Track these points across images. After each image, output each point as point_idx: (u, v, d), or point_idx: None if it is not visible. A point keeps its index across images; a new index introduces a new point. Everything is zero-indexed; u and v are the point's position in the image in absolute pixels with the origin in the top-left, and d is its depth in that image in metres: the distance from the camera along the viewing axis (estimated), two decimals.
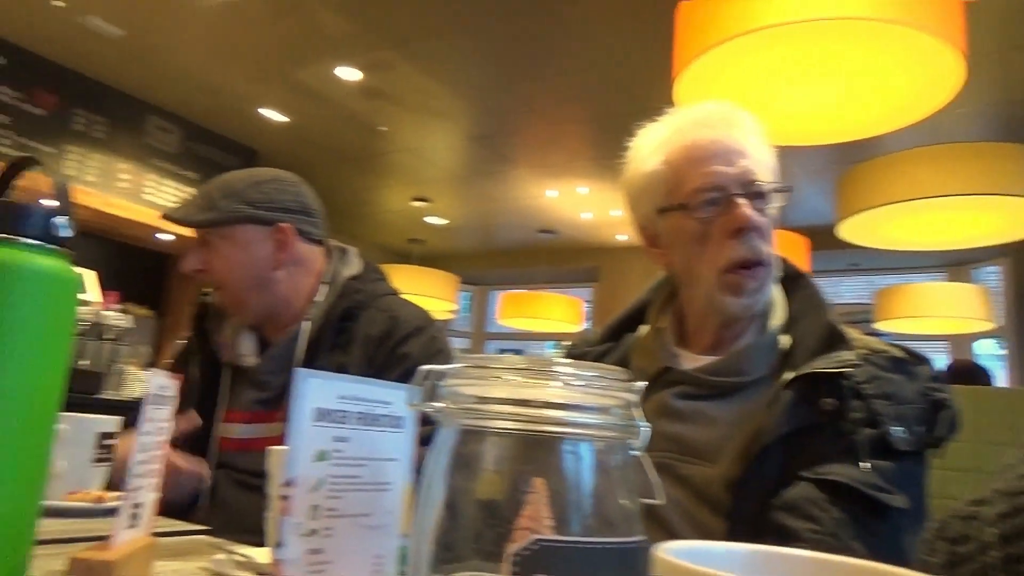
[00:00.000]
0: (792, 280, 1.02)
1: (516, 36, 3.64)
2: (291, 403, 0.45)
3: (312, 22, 3.67)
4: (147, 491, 0.67)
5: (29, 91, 4.23)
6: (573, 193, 5.77)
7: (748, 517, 0.84)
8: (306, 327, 1.29)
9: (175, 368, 1.41)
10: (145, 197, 4.74)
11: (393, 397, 0.51)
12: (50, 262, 0.61)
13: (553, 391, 0.37)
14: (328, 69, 4.11)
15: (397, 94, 4.36)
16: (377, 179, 5.86)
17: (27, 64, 4.21)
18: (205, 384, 1.32)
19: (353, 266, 1.38)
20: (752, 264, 0.94)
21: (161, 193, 4.82)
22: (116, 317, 3.59)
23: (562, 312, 6.32)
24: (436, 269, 6.31)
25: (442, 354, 1.31)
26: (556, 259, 7.19)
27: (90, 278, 3.45)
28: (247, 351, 1.33)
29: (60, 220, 0.61)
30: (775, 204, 0.97)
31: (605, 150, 4.84)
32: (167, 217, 1.32)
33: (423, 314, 1.36)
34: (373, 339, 1.28)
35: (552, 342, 7.59)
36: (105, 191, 4.52)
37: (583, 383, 0.38)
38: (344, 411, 0.47)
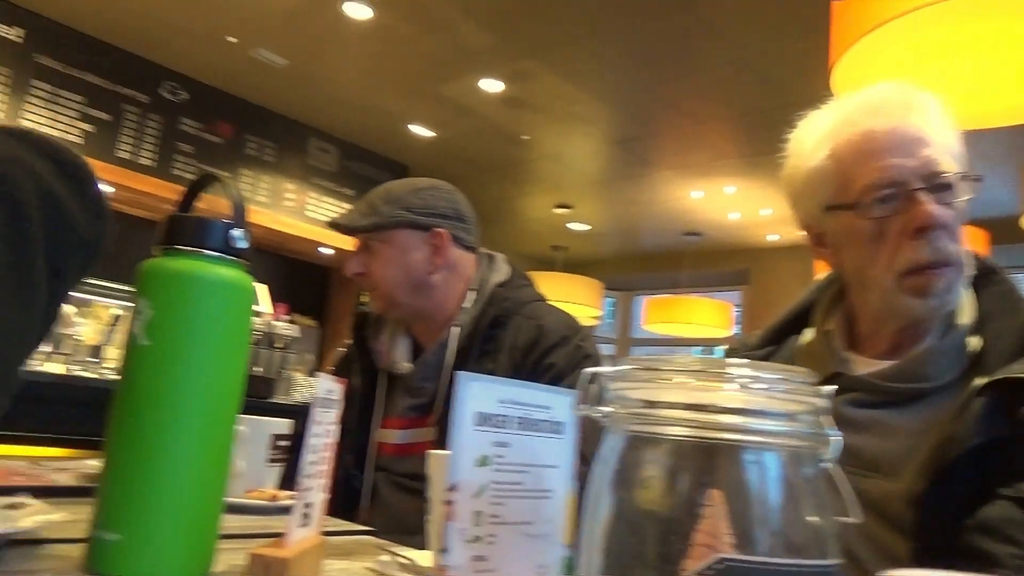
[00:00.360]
0: (983, 276, 0.91)
1: (656, 37, 3.57)
2: (452, 407, 0.44)
3: (455, 38, 3.79)
4: (317, 492, 0.70)
5: (209, 122, 4.66)
6: (719, 193, 5.57)
7: (936, 537, 0.75)
8: (455, 333, 1.31)
9: (336, 374, 1.48)
10: (308, 214, 5.07)
11: (553, 402, 0.50)
12: (230, 272, 0.65)
13: (730, 394, 0.34)
14: (472, 82, 4.22)
15: (539, 102, 4.40)
16: (520, 187, 5.94)
17: (207, 97, 4.64)
18: (364, 390, 1.38)
19: (501, 272, 1.40)
20: (938, 265, 0.84)
21: (321, 210, 5.14)
22: (285, 327, 3.87)
23: (710, 316, 6.11)
24: (579, 275, 6.30)
25: (589, 362, 1.29)
26: (703, 262, 6.96)
27: (262, 291, 3.73)
28: (401, 358, 1.38)
29: (237, 233, 0.65)
30: (963, 196, 0.87)
31: (752, 147, 4.63)
32: (333, 224, 1.39)
33: (570, 322, 1.34)
34: (520, 348, 1.28)
35: (700, 348, 7.35)
36: (274, 210, 4.89)
37: (765, 386, 0.34)
38: (504, 415, 0.47)
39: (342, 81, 4.43)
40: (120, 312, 3.43)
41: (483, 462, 0.45)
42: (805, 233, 0.99)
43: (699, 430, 0.34)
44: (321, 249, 5.27)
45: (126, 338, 0.63)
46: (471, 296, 1.35)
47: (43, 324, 0.58)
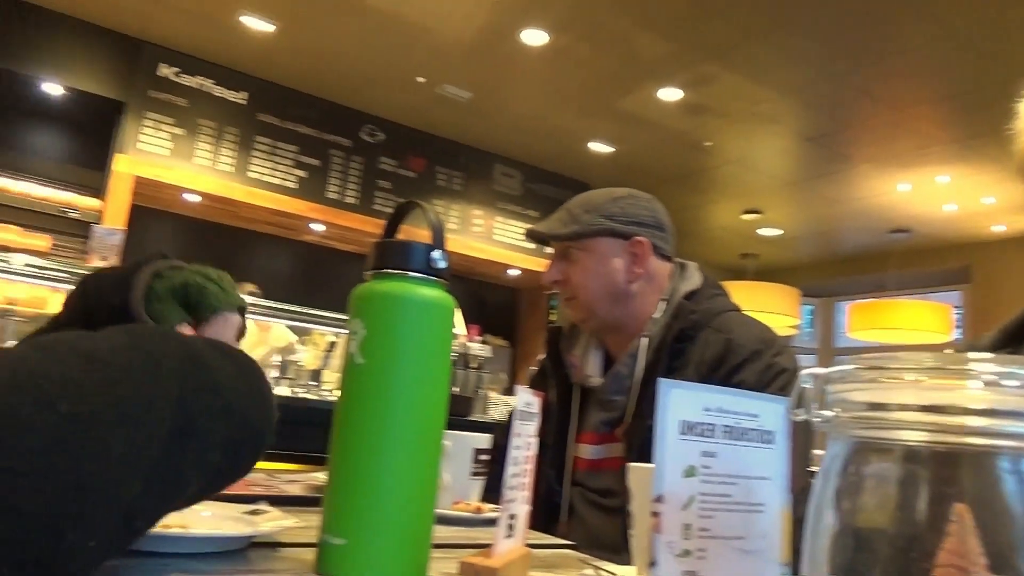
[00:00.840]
0: None
1: (846, 23, 3.32)
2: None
3: (631, 50, 3.77)
4: (520, 503, 0.71)
5: (403, 158, 5.00)
6: (931, 184, 5.04)
7: None
8: (643, 344, 1.29)
9: (532, 387, 1.51)
10: (495, 238, 5.27)
11: (761, 409, 0.47)
12: (432, 291, 0.69)
13: (975, 394, 0.30)
14: (650, 93, 4.17)
15: (720, 106, 4.26)
16: (704, 196, 5.76)
17: (401, 136, 4.99)
18: (560, 404, 1.39)
19: (691, 282, 1.35)
20: None
21: (507, 233, 5.32)
22: (479, 348, 4.03)
23: (925, 320, 5.51)
24: (774, 283, 5.97)
25: (784, 377, 1.20)
26: (913, 261, 6.32)
27: (456, 314, 3.91)
28: (593, 371, 1.37)
29: (437, 255, 0.69)
30: None
31: (968, 129, 4.15)
32: (532, 232, 1.40)
33: (763, 335, 1.26)
34: (707, 363, 1.22)
35: None
36: (463, 235, 5.13)
37: (1017, 383, 0.30)
38: (710, 424, 0.45)
39: (523, 107, 4.57)
40: (334, 339, 3.76)
41: (690, 472, 0.44)
42: None
43: (939, 434, 0.31)
44: (509, 271, 5.44)
45: (343, 358, 0.68)
46: (661, 306, 1.32)
47: (152, 470, 0.45)
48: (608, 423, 1.31)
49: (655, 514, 0.42)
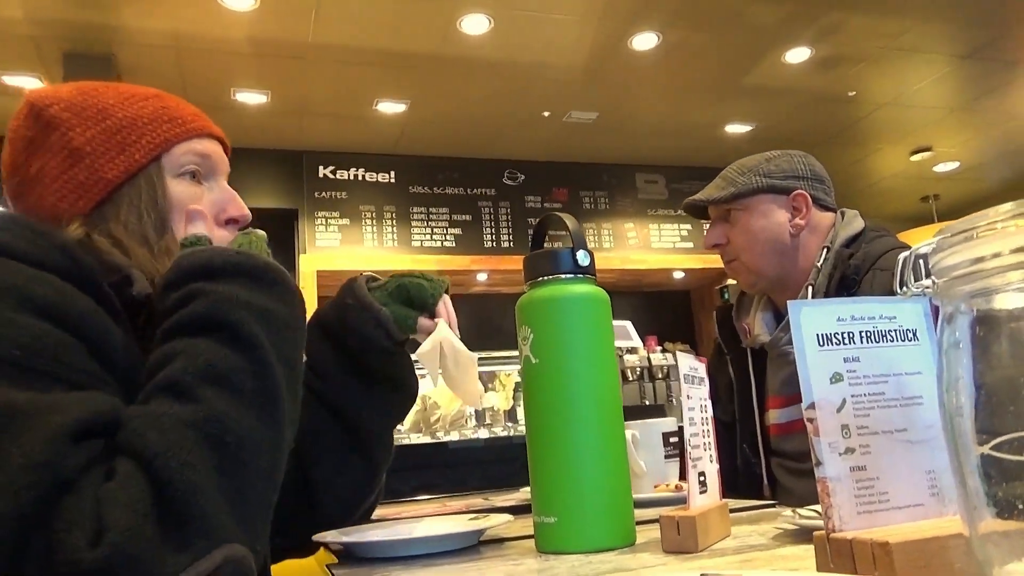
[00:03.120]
0: None
1: None
2: (793, 336, 0.48)
3: (745, 24, 3.70)
4: (706, 461, 0.76)
5: (546, 192, 5.17)
6: None
7: None
8: (809, 293, 1.28)
9: (711, 370, 1.53)
10: (654, 245, 5.26)
11: (896, 311, 0.50)
12: (583, 287, 0.77)
13: None
14: (776, 60, 4.04)
15: (855, 52, 4.03)
16: (863, 148, 5.41)
17: (540, 172, 5.16)
18: (740, 378, 1.40)
19: (852, 227, 1.34)
20: None
21: (664, 238, 5.29)
22: (659, 357, 4.03)
23: None
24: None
25: None
26: None
27: (628, 328, 3.94)
28: (762, 330, 1.37)
29: (580, 254, 0.77)
30: None
31: None
32: (689, 204, 1.43)
33: None
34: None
35: None
36: (621, 250, 5.17)
37: None
38: (847, 331, 0.49)
39: (650, 111, 4.58)
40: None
41: (837, 378, 0.47)
42: None
43: None
44: (675, 274, 5.39)
45: (521, 363, 0.77)
46: (823, 254, 1.32)
47: (291, 420, 0.63)
48: (791, 382, 1.31)
49: (810, 420, 0.46)
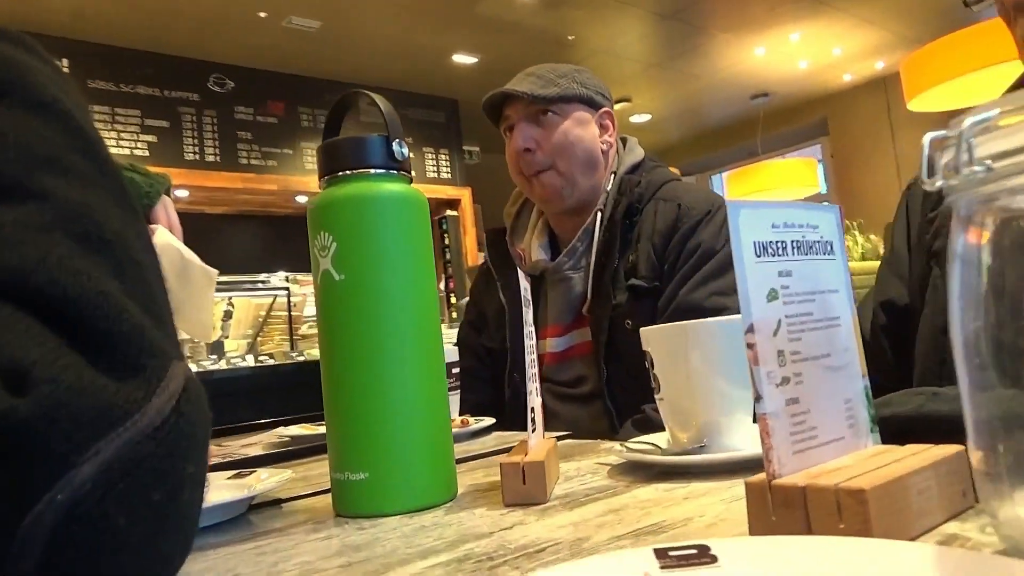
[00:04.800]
0: None
1: None
2: (731, 240, 0.39)
3: None
4: (536, 395, 0.67)
5: (260, 104, 4.67)
6: (784, 44, 5.23)
7: None
8: (598, 218, 1.26)
9: (475, 298, 1.45)
10: None
11: (819, 219, 0.44)
12: (400, 187, 0.61)
13: None
14: None
15: None
16: None
17: (252, 80, 4.63)
18: (513, 306, 1.35)
19: (634, 154, 1.34)
20: None
21: None
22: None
23: (795, 176, 5.82)
24: None
25: None
26: (776, 122, 6.61)
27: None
28: (541, 256, 1.33)
29: (396, 145, 0.61)
30: None
31: None
32: (507, 93, 1.28)
33: (709, 196, 1.26)
34: (660, 232, 1.20)
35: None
36: None
37: None
38: (782, 241, 0.41)
39: (377, 29, 4.33)
40: (229, 306, 3.54)
41: (773, 296, 0.40)
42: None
43: None
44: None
45: (317, 280, 0.60)
46: (611, 179, 1.29)
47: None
48: (570, 310, 1.28)
49: (750, 346, 0.38)
